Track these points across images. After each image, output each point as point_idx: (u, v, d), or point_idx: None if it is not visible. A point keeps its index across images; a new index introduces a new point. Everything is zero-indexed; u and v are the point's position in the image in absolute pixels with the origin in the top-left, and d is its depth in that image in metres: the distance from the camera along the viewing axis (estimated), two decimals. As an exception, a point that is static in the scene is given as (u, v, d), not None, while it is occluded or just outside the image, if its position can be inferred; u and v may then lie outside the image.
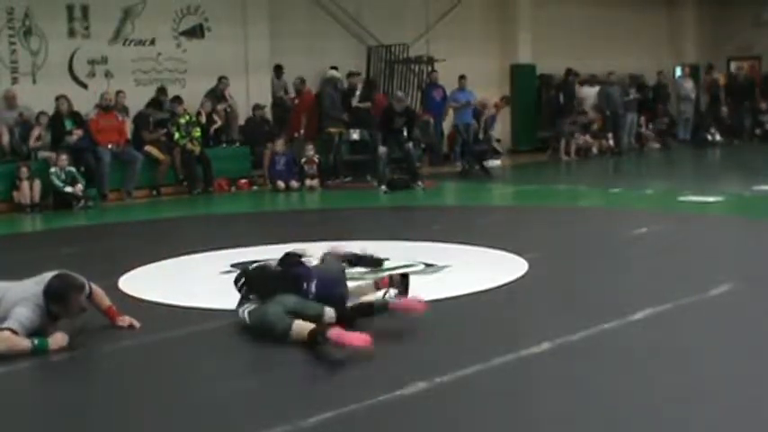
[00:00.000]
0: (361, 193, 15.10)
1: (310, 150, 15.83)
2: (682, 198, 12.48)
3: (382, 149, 15.29)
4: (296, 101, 17.16)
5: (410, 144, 15.41)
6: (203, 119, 15.83)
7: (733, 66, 24.85)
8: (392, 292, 6.39)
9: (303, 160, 15.76)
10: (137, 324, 6.26)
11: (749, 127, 22.66)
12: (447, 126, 18.84)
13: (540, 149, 20.71)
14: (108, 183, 14.52)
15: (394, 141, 15.29)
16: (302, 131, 16.74)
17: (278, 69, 17.47)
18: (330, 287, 6.10)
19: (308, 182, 15.60)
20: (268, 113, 17.01)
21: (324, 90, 16.98)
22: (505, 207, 13.67)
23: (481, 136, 17.80)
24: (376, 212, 13.07)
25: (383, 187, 14.85)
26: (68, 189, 13.59)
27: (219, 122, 16.14)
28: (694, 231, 10.16)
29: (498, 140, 20.15)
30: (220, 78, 16.35)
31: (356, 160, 16.97)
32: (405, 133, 15.37)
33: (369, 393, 4.73)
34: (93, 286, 6.23)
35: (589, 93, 20.33)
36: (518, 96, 21.15)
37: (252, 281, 6.14)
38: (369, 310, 5.97)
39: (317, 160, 15.83)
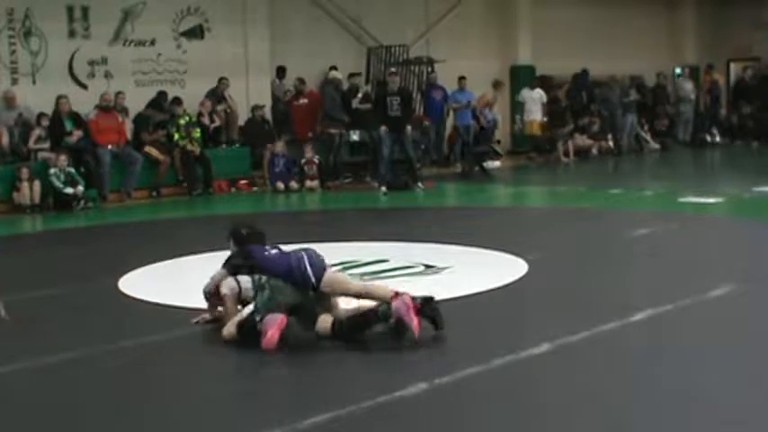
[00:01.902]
0: (361, 194, 15.10)
1: (309, 152, 15.83)
2: (681, 199, 12.48)
3: (386, 149, 14.99)
4: (301, 101, 17.03)
5: (409, 131, 15.17)
6: (206, 119, 15.80)
7: (732, 67, 24.85)
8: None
9: (303, 161, 15.76)
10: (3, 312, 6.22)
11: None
12: (449, 126, 18.80)
13: (540, 150, 20.67)
14: (108, 184, 14.51)
15: (395, 140, 15.08)
16: (320, 129, 16.70)
17: (281, 71, 17.42)
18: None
19: (307, 183, 15.58)
20: (268, 114, 17.00)
21: (324, 90, 16.96)
22: (505, 208, 13.66)
23: (483, 123, 17.75)
24: (376, 213, 13.07)
25: (383, 188, 14.82)
26: (68, 190, 13.58)
27: (218, 122, 16.11)
28: (694, 232, 10.17)
29: (498, 141, 20.14)
30: (220, 79, 16.34)
31: (356, 161, 16.99)
32: (402, 120, 15.12)
33: (368, 394, 4.73)
34: None
35: (531, 96, 19.45)
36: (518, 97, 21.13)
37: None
38: (368, 322, 5.74)
39: (316, 161, 15.82)
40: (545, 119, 19.60)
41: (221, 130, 16.23)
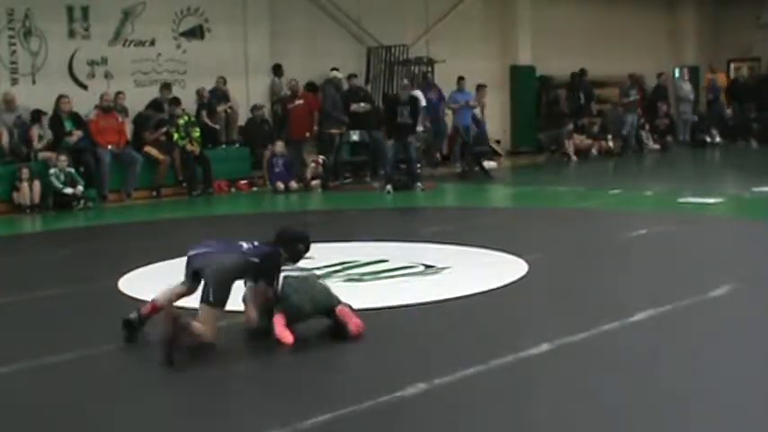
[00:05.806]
0: (361, 194, 15.11)
1: (311, 154, 15.90)
2: (681, 199, 12.47)
3: (389, 149, 15.08)
4: (296, 102, 16.97)
5: (414, 137, 15.26)
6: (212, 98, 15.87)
7: (732, 67, 24.87)
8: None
9: (312, 160, 15.81)
10: None
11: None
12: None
13: (541, 150, 20.69)
14: (108, 184, 14.50)
15: (398, 141, 15.11)
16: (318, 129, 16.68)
17: (277, 69, 17.36)
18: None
19: (308, 172, 15.60)
20: (267, 114, 16.99)
21: (325, 91, 16.94)
22: (505, 208, 13.67)
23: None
24: (376, 213, 13.07)
25: (388, 186, 14.81)
26: (68, 190, 13.58)
27: (216, 124, 16.13)
28: (694, 233, 10.16)
29: (498, 141, 20.13)
30: (220, 79, 16.35)
31: (356, 161, 16.98)
32: (410, 128, 15.17)
33: (368, 395, 4.73)
34: None
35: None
36: (518, 97, 21.15)
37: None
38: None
39: (321, 161, 15.84)
40: None
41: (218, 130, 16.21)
